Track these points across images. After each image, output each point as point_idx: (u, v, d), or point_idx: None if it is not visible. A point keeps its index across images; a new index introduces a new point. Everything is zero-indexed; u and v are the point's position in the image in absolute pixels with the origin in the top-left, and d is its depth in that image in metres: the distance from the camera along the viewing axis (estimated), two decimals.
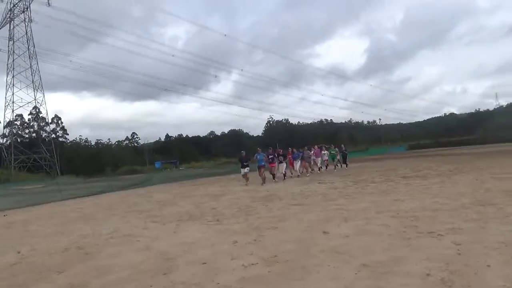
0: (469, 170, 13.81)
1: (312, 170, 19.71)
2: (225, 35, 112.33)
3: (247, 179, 15.77)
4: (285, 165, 17.41)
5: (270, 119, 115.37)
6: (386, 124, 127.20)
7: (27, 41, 70.79)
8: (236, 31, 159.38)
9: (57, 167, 72.58)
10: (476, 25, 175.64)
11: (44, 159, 73.08)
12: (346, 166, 22.14)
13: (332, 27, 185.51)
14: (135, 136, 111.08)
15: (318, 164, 20.12)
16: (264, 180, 15.41)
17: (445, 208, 6.64)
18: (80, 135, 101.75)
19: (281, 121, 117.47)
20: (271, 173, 16.47)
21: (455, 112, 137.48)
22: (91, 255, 5.49)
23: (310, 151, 19.58)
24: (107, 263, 4.92)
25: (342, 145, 23.08)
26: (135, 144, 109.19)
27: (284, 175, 17.30)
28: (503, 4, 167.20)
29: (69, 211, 12.00)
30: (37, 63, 71.86)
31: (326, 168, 21.23)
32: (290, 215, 7.36)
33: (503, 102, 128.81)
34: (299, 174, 18.22)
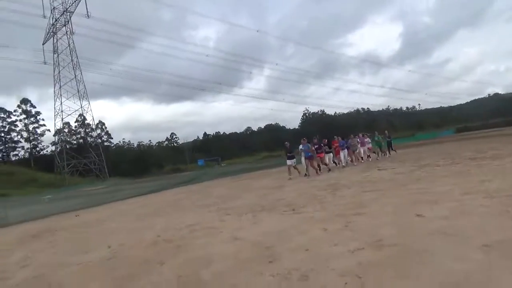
0: None
1: (358, 159, 18.67)
2: (257, 31, 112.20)
3: (292, 171, 15.26)
4: (331, 155, 17.06)
5: (306, 111, 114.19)
6: (426, 109, 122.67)
7: (70, 52, 74.07)
8: (266, 26, 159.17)
9: (105, 170, 75.61)
10: None
11: (93, 163, 76.37)
12: (389, 154, 21.25)
13: (363, 14, 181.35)
14: (174, 137, 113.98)
15: (363, 153, 18.98)
16: (309, 172, 15.11)
17: None
18: (123, 139, 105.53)
19: (317, 112, 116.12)
20: (319, 164, 15.84)
21: (499, 92, 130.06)
22: (183, 247, 5.54)
23: (356, 139, 18.51)
24: (204, 254, 4.94)
25: (386, 132, 22.06)
26: (175, 144, 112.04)
27: (327, 165, 16.61)
28: None
29: (137, 208, 12.37)
30: (81, 72, 75.06)
31: (369, 157, 19.98)
32: (369, 201, 7.13)
33: None
34: (344, 164, 17.40)
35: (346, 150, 17.55)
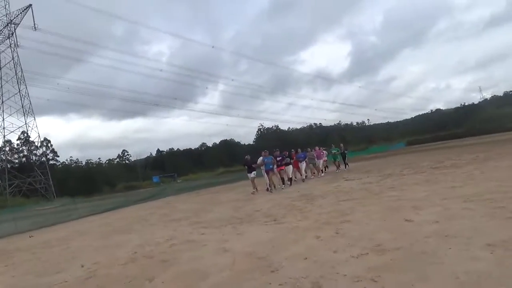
0: (496, 156, 13.76)
1: (318, 172, 18.32)
2: (212, 46, 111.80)
3: (254, 185, 14.10)
4: (291, 167, 15.85)
5: (260, 127, 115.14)
6: (374, 124, 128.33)
7: (15, 66, 69.94)
8: (220, 42, 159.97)
9: (52, 189, 71.35)
10: (454, 21, 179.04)
11: (38, 182, 71.84)
12: (345, 167, 20.75)
13: (314, 33, 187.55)
14: (126, 154, 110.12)
15: (321, 166, 18.67)
16: (272, 186, 14.01)
17: None
18: (70, 157, 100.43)
19: (272, 128, 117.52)
20: (280, 177, 14.86)
21: (441, 108, 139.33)
22: (170, 261, 5.21)
23: (313, 152, 18.03)
24: (196, 267, 4.68)
25: (341, 145, 21.18)
26: (127, 161, 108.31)
27: (290, 179, 15.53)
28: (478, 0, 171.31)
29: (98, 226, 11.66)
30: (26, 87, 71.00)
31: (325, 169, 19.85)
32: (349, 209, 7.14)
33: (487, 95, 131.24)
34: (303, 177, 16.69)
35: (304, 163, 16.87)
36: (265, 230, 6.45)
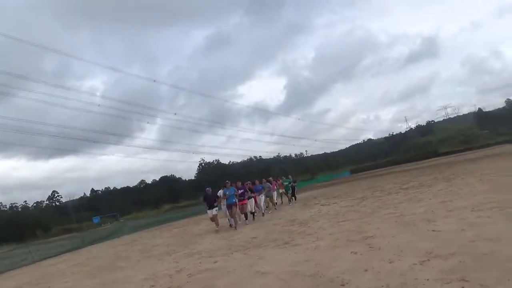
0: (453, 176, 14.85)
1: (273, 205, 16.47)
2: (154, 80, 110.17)
3: (217, 222, 12.48)
4: (253, 201, 13.91)
5: (201, 161, 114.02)
6: (312, 155, 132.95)
7: None
8: (156, 77, 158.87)
9: None
10: (378, 57, 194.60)
11: None
12: (295, 200, 18.75)
13: (250, 68, 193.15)
14: (56, 195, 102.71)
15: (274, 198, 16.83)
16: (236, 223, 12.22)
17: (505, 199, 7.04)
18: None
19: (213, 162, 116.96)
20: (242, 212, 12.98)
21: (372, 138, 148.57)
22: None
23: (268, 184, 16.04)
24: None
25: (290, 176, 19.44)
26: (57, 203, 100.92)
27: (253, 213, 13.79)
28: (399, 38, 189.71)
29: (72, 266, 10.67)
30: None
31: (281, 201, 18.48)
32: (359, 227, 7.29)
33: (412, 125, 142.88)
34: (263, 211, 14.88)
35: (263, 195, 14.92)
36: (286, 252, 6.36)
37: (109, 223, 65.52)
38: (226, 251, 7.78)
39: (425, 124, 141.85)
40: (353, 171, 74.45)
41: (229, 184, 12.63)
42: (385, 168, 61.94)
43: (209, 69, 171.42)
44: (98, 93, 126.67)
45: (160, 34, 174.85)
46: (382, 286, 3.65)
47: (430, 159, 58.65)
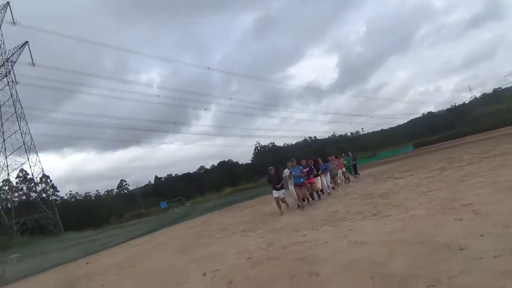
0: None
1: (339, 184, 15.52)
2: (208, 68, 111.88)
3: (282, 205, 11.65)
4: (320, 179, 13.30)
5: (257, 145, 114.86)
6: (369, 132, 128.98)
7: (14, 103, 69.56)
8: (208, 65, 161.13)
9: (60, 224, 70.16)
10: (436, 25, 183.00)
11: (45, 219, 70.64)
12: (357, 177, 18.21)
13: (300, 48, 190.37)
14: (124, 183, 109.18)
15: (340, 177, 16.14)
16: (302, 203, 11.47)
17: None
18: (70, 191, 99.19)
19: (268, 145, 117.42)
20: (311, 192, 12.25)
21: (432, 111, 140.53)
22: (311, 258, 4.96)
23: (334, 162, 15.22)
24: (360, 258, 4.44)
25: (350, 153, 18.75)
26: (126, 191, 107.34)
27: (319, 193, 13.11)
28: (458, 2, 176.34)
29: (158, 245, 11.31)
30: (26, 124, 70.43)
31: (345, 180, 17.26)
32: (452, 195, 6.96)
33: (477, 94, 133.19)
34: (329, 191, 13.95)
35: (328, 174, 14.07)
36: (378, 223, 6.24)
37: (175, 207, 68.67)
38: (311, 225, 7.79)
39: (491, 92, 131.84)
40: (416, 146, 71.18)
41: (295, 162, 11.83)
42: (452, 141, 58.50)
43: (259, 52, 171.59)
44: (155, 85, 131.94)
45: (208, 22, 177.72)
46: (510, 248, 3.44)
47: (502, 128, 54.51)
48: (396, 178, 13.70)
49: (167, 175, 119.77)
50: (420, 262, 3.74)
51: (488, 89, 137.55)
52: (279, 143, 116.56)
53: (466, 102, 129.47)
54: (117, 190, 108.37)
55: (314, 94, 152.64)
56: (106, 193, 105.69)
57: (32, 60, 65.85)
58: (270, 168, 12.06)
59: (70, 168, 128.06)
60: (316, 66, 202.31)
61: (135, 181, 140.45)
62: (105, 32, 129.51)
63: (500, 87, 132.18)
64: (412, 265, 3.69)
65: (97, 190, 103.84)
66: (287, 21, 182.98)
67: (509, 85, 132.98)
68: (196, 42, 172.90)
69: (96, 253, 14.36)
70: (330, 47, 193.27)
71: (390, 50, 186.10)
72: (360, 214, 7.63)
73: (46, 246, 25.80)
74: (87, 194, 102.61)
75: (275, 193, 11.52)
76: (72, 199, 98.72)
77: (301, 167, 11.66)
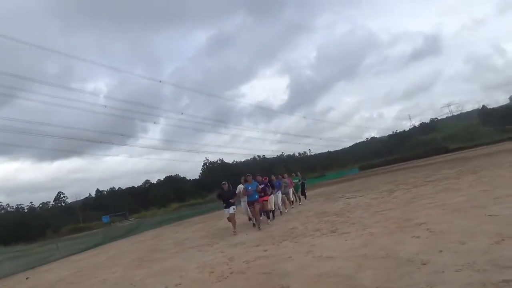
0: (478, 169, 14.82)
1: (289, 203, 14.85)
2: (160, 81, 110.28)
3: (235, 223, 10.70)
4: (273, 197, 12.58)
5: (205, 161, 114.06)
6: (315, 153, 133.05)
7: None
8: (160, 78, 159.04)
9: None
10: (380, 56, 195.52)
11: None
12: (305, 198, 17.73)
13: (253, 68, 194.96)
14: (62, 196, 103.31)
15: (291, 196, 15.18)
16: (258, 222, 10.67)
17: None
18: (0, 202, 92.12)
19: (216, 161, 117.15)
20: (263, 210, 11.38)
21: (376, 136, 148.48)
22: (278, 272, 5.02)
23: (286, 179, 14.57)
24: (328, 271, 4.56)
25: (298, 173, 18.00)
26: (63, 204, 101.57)
27: (273, 211, 12.38)
28: (401, 36, 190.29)
29: (107, 259, 10.79)
30: None
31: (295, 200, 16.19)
32: (404, 215, 7.36)
33: (416, 122, 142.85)
34: (281, 209, 13.60)
35: (279, 192, 13.52)
36: (339, 239, 6.45)
37: (118, 222, 65.90)
38: (271, 240, 7.87)
39: (428, 122, 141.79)
40: (361, 168, 74.36)
41: (251, 177, 11.08)
42: (395, 165, 61.86)
43: (212, 69, 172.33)
44: (101, 95, 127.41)
45: (162, 35, 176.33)
46: (469, 263, 3.72)
47: (440, 155, 58.59)
48: (348, 198, 14.21)
49: (110, 188, 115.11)
50: (388, 275, 3.92)
51: (426, 119, 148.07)
52: (228, 159, 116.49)
53: (406, 130, 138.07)
54: (53, 203, 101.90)
55: (264, 113, 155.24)
56: (41, 205, 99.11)
57: None
58: (223, 182, 11.09)
59: (1, 177, 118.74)
60: (268, 86, 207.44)
61: (74, 193, 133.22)
62: (49, 36, 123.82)
63: (436, 118, 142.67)
64: (381, 279, 3.86)
65: (31, 202, 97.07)
66: (241, 40, 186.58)
67: (444, 116, 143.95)
68: (148, 54, 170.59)
69: (34, 268, 13.40)
70: (282, 69, 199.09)
71: (338, 76, 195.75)
72: (318, 231, 7.83)
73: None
74: (19, 206, 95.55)
75: (226, 212, 10.64)
76: (2, 211, 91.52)
77: (257, 183, 11.03)
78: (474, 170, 14.58)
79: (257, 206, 10.64)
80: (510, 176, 10.34)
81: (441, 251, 4.36)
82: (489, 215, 5.69)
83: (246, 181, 11.11)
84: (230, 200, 10.61)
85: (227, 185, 10.94)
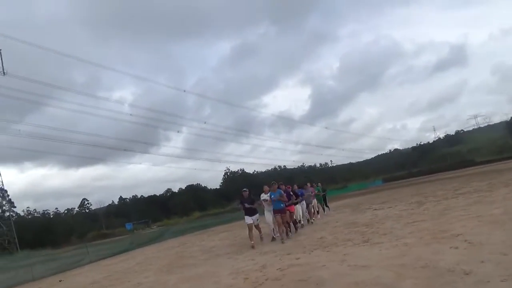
0: (510, 182, 14.44)
1: (314, 214, 14.45)
2: (184, 90, 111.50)
3: (255, 234, 10.36)
4: (299, 208, 12.55)
5: (226, 170, 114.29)
6: (337, 164, 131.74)
7: None
8: (183, 88, 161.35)
9: (16, 241, 66.40)
10: (404, 66, 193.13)
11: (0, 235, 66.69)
12: (324, 210, 17.16)
13: (275, 78, 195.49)
14: (86, 202, 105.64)
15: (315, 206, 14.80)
16: (283, 233, 9.99)
17: None
18: (27, 207, 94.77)
19: (237, 171, 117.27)
20: (289, 221, 10.69)
21: (398, 148, 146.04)
22: (316, 279, 5.05)
23: (310, 190, 14.22)
24: (366, 279, 4.57)
25: (319, 184, 17.66)
26: (87, 210, 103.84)
27: (297, 222, 11.92)
28: (426, 46, 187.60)
29: (137, 264, 11.00)
30: None
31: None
32: (439, 226, 7.27)
33: (441, 134, 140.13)
34: (302, 222, 12.88)
35: (304, 202, 13.30)
36: (373, 249, 6.42)
37: (141, 229, 66.70)
38: (301, 249, 7.89)
39: (454, 134, 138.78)
40: (385, 180, 73.29)
41: (276, 185, 10.46)
42: (420, 177, 60.70)
43: (235, 79, 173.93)
44: (126, 103, 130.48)
45: (186, 45, 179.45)
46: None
47: (467, 168, 57.20)
48: (375, 209, 14.07)
49: (132, 196, 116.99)
50: (429, 285, 3.91)
51: (451, 131, 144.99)
52: (249, 169, 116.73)
53: (430, 142, 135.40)
54: (78, 209, 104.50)
55: (286, 123, 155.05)
56: (66, 211, 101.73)
57: (3, 69, 64.00)
58: (244, 189, 10.46)
59: (28, 183, 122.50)
60: (290, 97, 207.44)
61: (98, 200, 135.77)
62: (78, 46, 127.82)
63: (462, 130, 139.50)
64: (424, 287, 3.86)
65: (57, 208, 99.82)
66: (264, 50, 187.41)
67: (470, 128, 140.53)
68: (172, 64, 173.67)
69: (65, 272, 13.77)
70: (304, 79, 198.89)
71: (360, 86, 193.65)
72: (349, 241, 7.81)
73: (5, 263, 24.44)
74: (45, 212, 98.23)
75: (249, 219, 10.03)
76: (29, 216, 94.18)
77: (281, 191, 10.39)
78: (506, 183, 14.20)
79: (284, 216, 10.07)
80: None
81: (483, 261, 4.31)
82: None
83: (269, 189, 10.44)
84: (251, 207, 10.07)
85: (247, 192, 10.38)
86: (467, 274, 3.99)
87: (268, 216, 10.66)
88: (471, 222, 7.05)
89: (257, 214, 10.32)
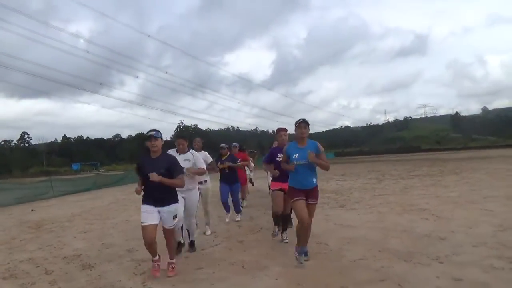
0: (459, 170, 16.04)
1: None
2: (148, 35, 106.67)
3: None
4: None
5: (180, 124, 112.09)
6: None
7: None
8: (146, 31, 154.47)
9: None
10: (368, 47, 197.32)
11: None
12: None
13: (241, 38, 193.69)
14: (26, 136, 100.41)
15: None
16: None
17: None
18: None
19: (191, 126, 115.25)
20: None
21: (349, 125, 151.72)
22: None
23: None
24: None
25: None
26: (26, 145, 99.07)
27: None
28: (392, 31, 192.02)
29: (111, 203, 11.32)
30: None
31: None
32: (405, 201, 8.26)
33: (390, 118, 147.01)
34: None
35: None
36: (352, 213, 7.29)
37: (88, 171, 65.35)
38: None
39: (402, 120, 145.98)
40: (337, 154, 76.54)
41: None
42: (371, 156, 64.10)
43: (200, 31, 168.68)
44: (82, 39, 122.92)
45: None
46: (481, 242, 4.56)
47: (413, 153, 61.23)
48: (337, 180, 15.14)
49: (78, 136, 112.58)
50: (414, 244, 4.73)
51: (400, 116, 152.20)
52: (202, 126, 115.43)
53: (380, 124, 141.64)
54: (16, 142, 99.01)
55: (245, 85, 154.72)
56: (3, 142, 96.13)
57: None
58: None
59: None
60: (252, 59, 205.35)
61: (40, 136, 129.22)
62: None
63: (410, 117, 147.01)
64: (409, 245, 4.67)
65: None
66: (234, 7, 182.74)
67: (417, 117, 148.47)
68: (136, 3, 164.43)
69: (30, 203, 13.73)
70: (270, 44, 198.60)
71: (323, 60, 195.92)
72: (326, 204, 8.63)
73: None
74: None
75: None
76: None
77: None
78: (454, 171, 15.79)
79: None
80: (490, 180, 11.43)
81: (453, 231, 5.21)
82: (485, 210, 6.63)
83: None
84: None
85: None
86: (443, 239, 4.85)
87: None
88: (433, 201, 8.09)
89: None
